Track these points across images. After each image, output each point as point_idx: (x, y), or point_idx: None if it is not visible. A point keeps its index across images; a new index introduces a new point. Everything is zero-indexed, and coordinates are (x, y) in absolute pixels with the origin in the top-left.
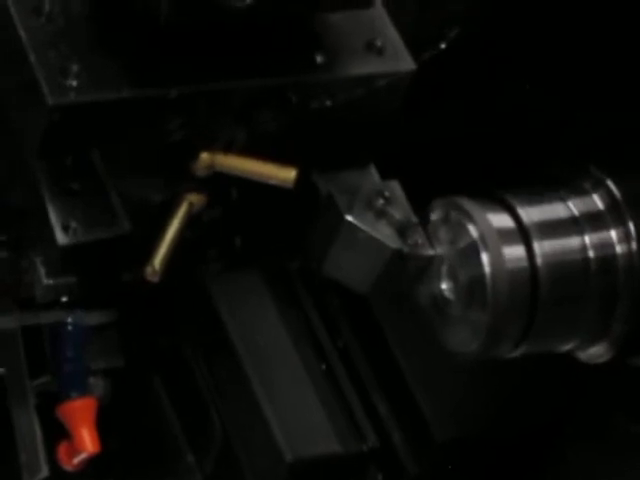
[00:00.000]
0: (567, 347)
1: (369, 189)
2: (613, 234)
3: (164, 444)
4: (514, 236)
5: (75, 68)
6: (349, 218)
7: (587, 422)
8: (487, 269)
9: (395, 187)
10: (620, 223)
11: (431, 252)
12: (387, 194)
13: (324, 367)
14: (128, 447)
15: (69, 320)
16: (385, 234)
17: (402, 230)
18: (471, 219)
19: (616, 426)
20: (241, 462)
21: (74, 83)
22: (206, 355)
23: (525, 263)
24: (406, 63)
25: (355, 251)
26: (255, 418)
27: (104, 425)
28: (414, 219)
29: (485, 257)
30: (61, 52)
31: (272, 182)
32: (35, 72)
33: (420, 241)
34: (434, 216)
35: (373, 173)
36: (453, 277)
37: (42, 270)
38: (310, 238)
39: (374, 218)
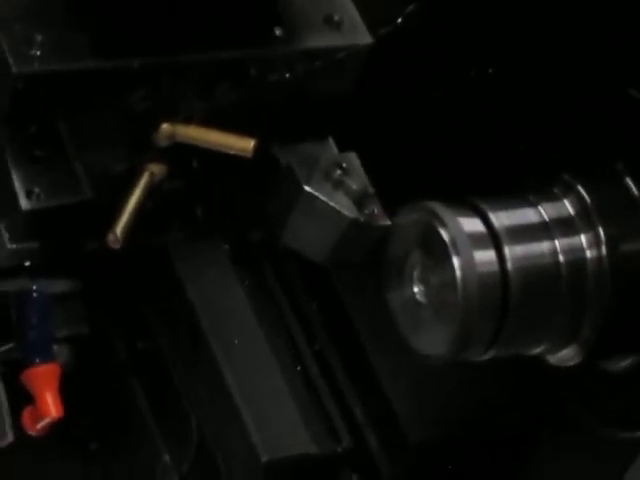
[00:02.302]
0: (537, 350)
1: (327, 160)
2: (583, 239)
3: (141, 444)
4: (485, 240)
5: (39, 38)
6: (307, 188)
7: (558, 425)
8: (458, 273)
9: (353, 158)
10: (590, 228)
11: (387, 222)
12: (345, 165)
13: (299, 368)
14: (104, 446)
15: (34, 288)
16: (342, 204)
17: (359, 200)
18: (442, 223)
19: (586, 429)
20: (217, 462)
21: (38, 53)
22: (182, 355)
23: (496, 267)
24: (363, 37)
25: (313, 220)
26: (231, 418)
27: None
28: (371, 190)
29: (456, 261)
30: (26, 23)
31: (231, 152)
32: (0, 42)
33: (376, 211)
34: (406, 220)
35: (331, 145)
36: (424, 281)
37: (5, 235)
38: (270, 208)
39: (332, 188)
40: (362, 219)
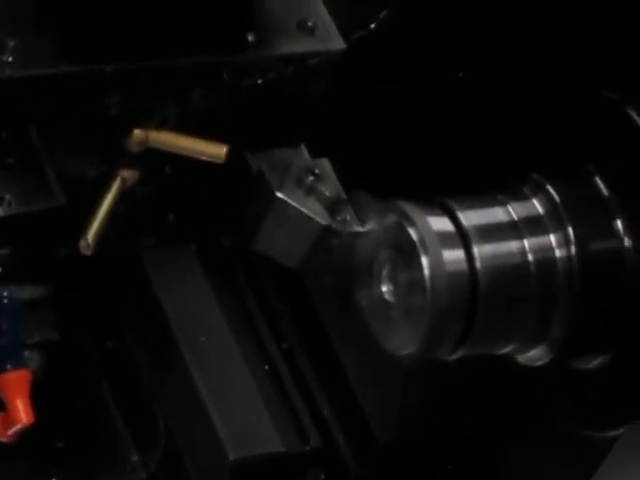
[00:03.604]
0: (506, 349)
1: (299, 166)
2: (552, 238)
3: (109, 443)
4: (454, 239)
5: (11, 44)
6: (280, 195)
7: (528, 424)
8: (427, 272)
9: (325, 165)
10: (559, 227)
11: (359, 228)
12: (317, 171)
13: (267, 367)
14: (72, 445)
15: (5, 294)
16: (315, 210)
17: (331, 207)
18: (411, 222)
19: (556, 428)
20: (185, 461)
21: (10, 59)
22: (150, 353)
23: (464, 266)
24: (337, 43)
25: (286, 227)
26: (199, 417)
27: (49, 412)
28: (343, 196)
29: (425, 260)
30: None
31: (204, 158)
32: None
33: (349, 217)
34: (374, 218)
35: (303, 151)
36: (393, 280)
37: None
38: (242, 214)
39: (304, 195)
40: (334, 226)
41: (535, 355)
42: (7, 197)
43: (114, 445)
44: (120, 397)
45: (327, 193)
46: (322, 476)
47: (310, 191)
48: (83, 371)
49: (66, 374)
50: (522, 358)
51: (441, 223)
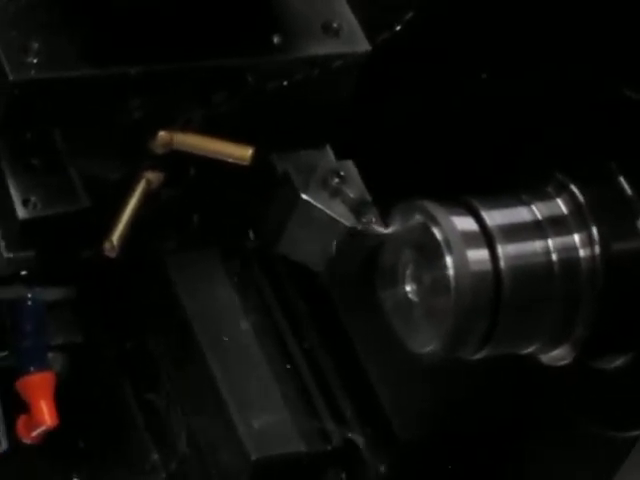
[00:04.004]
0: (530, 349)
1: (324, 168)
2: (576, 238)
3: (129, 442)
4: (478, 239)
5: (36, 46)
6: (305, 196)
7: (549, 424)
8: (451, 272)
9: (350, 167)
10: (583, 227)
11: (385, 230)
12: (342, 173)
13: (289, 366)
14: (93, 444)
15: (29, 296)
16: (339, 212)
17: (356, 208)
18: (435, 222)
19: (577, 428)
20: (206, 461)
21: (35, 60)
22: (171, 353)
23: (489, 266)
24: (362, 44)
25: (310, 229)
26: (220, 417)
27: (70, 412)
28: (368, 198)
29: (449, 260)
30: (22, 30)
31: (229, 160)
32: None
33: (374, 219)
34: (398, 218)
35: (329, 153)
36: (417, 279)
37: (2, 243)
38: (266, 216)
39: (329, 197)
40: (359, 227)
41: (558, 355)
42: (32, 199)
43: (134, 444)
44: (140, 396)
45: (352, 195)
46: (343, 476)
47: (335, 193)
48: (104, 371)
49: (87, 374)
50: (545, 358)
51: (465, 223)
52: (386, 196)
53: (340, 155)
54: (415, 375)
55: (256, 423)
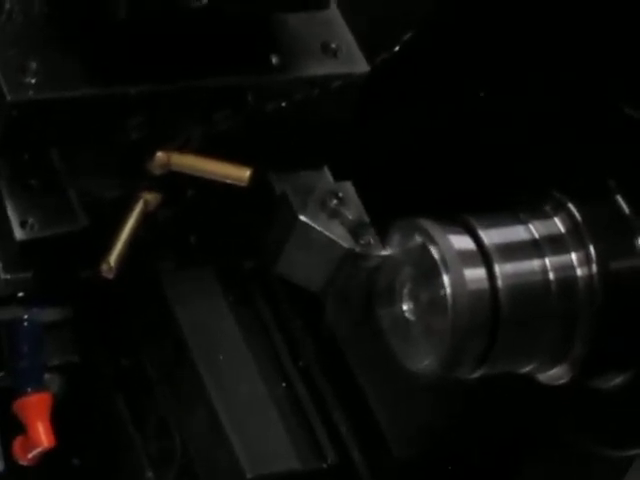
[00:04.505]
0: (527, 368)
1: (323, 189)
2: (574, 257)
3: (124, 460)
4: (475, 258)
5: (34, 66)
6: (303, 218)
7: (546, 443)
8: (448, 290)
9: (348, 188)
10: (581, 246)
11: (383, 252)
12: (340, 194)
13: (284, 384)
14: (88, 462)
15: (25, 317)
16: (338, 234)
17: (355, 230)
18: (432, 241)
19: (575, 447)
20: (201, 478)
21: (33, 81)
22: (166, 370)
23: (486, 285)
24: (360, 65)
25: (308, 250)
26: (215, 435)
27: (65, 430)
28: (366, 219)
29: (446, 278)
30: (21, 50)
31: (227, 181)
32: None
33: (372, 241)
34: (395, 237)
35: (327, 174)
36: (414, 298)
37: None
38: (264, 237)
39: (327, 218)
40: (358, 249)
41: (556, 374)
42: (30, 220)
43: (129, 462)
44: (135, 414)
45: (350, 216)
46: None
47: (333, 214)
48: (98, 389)
49: (82, 392)
50: (543, 377)
51: (462, 242)
52: (384, 216)
53: (338, 176)
54: (412, 393)
55: (251, 441)
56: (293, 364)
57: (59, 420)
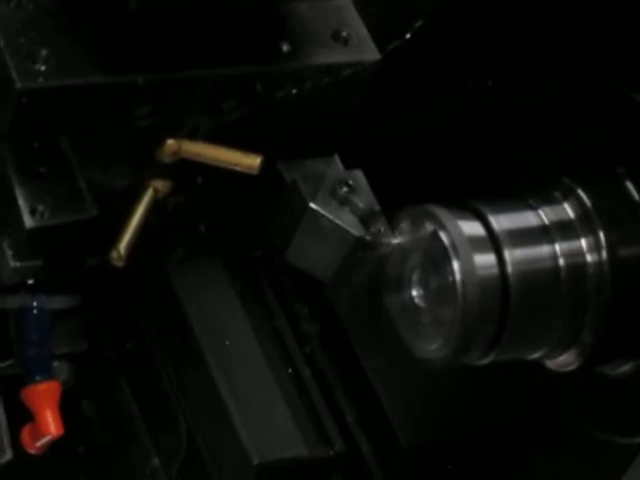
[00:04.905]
0: (536, 355)
1: (333, 177)
2: (584, 243)
3: (130, 446)
4: (485, 244)
5: (44, 53)
6: (313, 205)
7: (554, 429)
8: (458, 276)
9: (359, 176)
10: (590, 232)
11: (393, 240)
12: (351, 182)
13: (291, 371)
14: (94, 448)
15: (34, 304)
16: (348, 222)
17: (365, 218)
18: (442, 227)
19: (583, 434)
20: (207, 465)
21: (42, 68)
22: (172, 357)
23: (496, 271)
24: (371, 53)
25: (318, 238)
26: (222, 421)
27: (71, 417)
28: (377, 208)
29: (456, 264)
30: (30, 37)
31: (237, 169)
32: (4, 57)
33: (383, 229)
34: (405, 223)
35: (337, 162)
36: (424, 284)
37: (9, 252)
38: (274, 225)
39: (338, 206)
40: (368, 237)
41: (565, 360)
42: (40, 208)
43: (135, 448)
44: (141, 400)
45: (361, 205)
46: None
47: (344, 202)
48: (105, 376)
49: (88, 380)
50: (551, 363)
51: (472, 228)
52: (395, 205)
53: (348, 164)
54: (419, 382)
55: (258, 428)
56: (300, 350)
57: (66, 407)
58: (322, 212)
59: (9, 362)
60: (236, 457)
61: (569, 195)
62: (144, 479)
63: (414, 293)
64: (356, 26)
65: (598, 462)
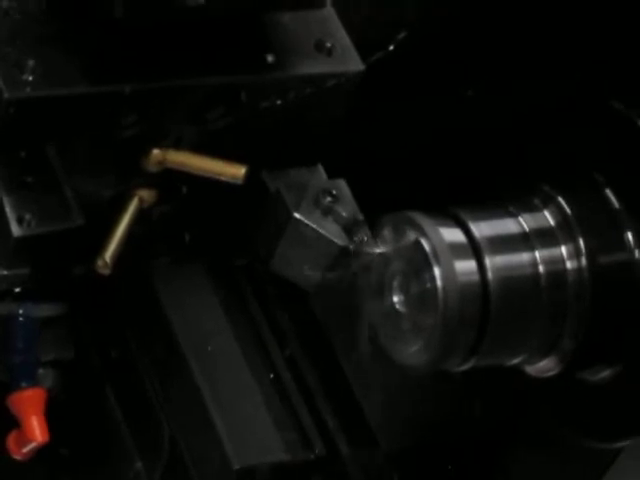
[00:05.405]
0: (516, 361)
1: (317, 187)
2: (563, 250)
3: (113, 450)
4: (466, 250)
5: (31, 63)
6: (297, 215)
7: (534, 435)
8: (439, 283)
9: (342, 186)
10: (570, 239)
11: (376, 249)
12: (334, 192)
13: (272, 375)
14: (77, 452)
15: (20, 312)
16: (332, 231)
17: (348, 227)
18: (423, 233)
19: (563, 439)
20: (189, 470)
21: (30, 78)
22: (156, 363)
23: (476, 277)
24: (355, 64)
25: (302, 248)
26: (203, 426)
27: (54, 421)
28: (360, 217)
29: (437, 271)
30: (17, 47)
31: (222, 178)
32: None
33: (366, 238)
34: (386, 230)
35: (321, 172)
36: (404, 290)
37: None
38: (258, 235)
39: (321, 215)
40: (352, 247)
41: (545, 366)
42: (27, 217)
43: (118, 452)
44: (125, 405)
45: (344, 214)
46: None
47: (327, 212)
48: (88, 381)
49: (72, 385)
50: (531, 369)
51: (453, 234)
52: (377, 214)
53: (332, 173)
54: (400, 387)
55: (240, 432)
56: (281, 355)
57: (50, 412)
58: (306, 221)
59: None
60: (218, 462)
61: (549, 202)
62: None
63: (395, 299)
64: (340, 37)
65: (577, 467)
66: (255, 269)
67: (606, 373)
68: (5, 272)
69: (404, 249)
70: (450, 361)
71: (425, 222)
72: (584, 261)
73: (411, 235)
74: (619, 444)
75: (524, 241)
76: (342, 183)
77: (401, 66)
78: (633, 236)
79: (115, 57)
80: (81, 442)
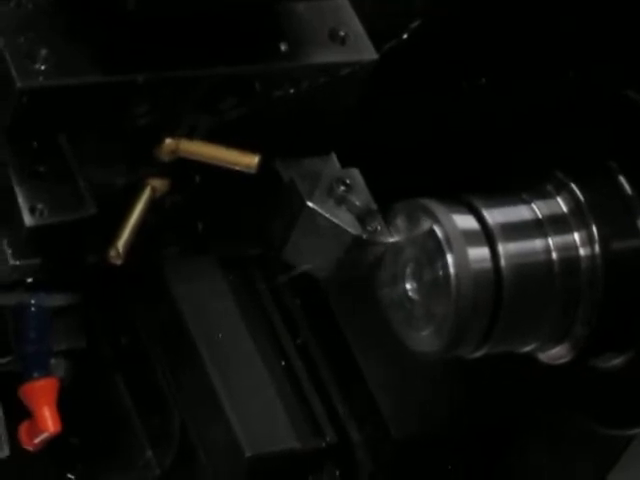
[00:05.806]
0: (529, 348)
1: (330, 176)
2: (576, 237)
3: (124, 438)
4: (479, 237)
5: (43, 53)
6: (310, 204)
7: (546, 422)
8: (452, 270)
9: (355, 175)
10: (583, 226)
11: (390, 239)
12: (348, 181)
13: (284, 363)
14: (88, 440)
15: (32, 302)
16: (345, 220)
17: (362, 217)
18: (436, 220)
19: (575, 426)
20: (200, 458)
21: (42, 67)
22: (167, 352)
23: (489, 264)
24: (368, 53)
25: (315, 237)
26: (215, 414)
27: (65, 410)
28: (374, 206)
29: (450, 258)
30: (30, 37)
31: (235, 168)
32: (4, 56)
33: (379, 228)
34: (399, 217)
35: (334, 161)
36: (418, 277)
37: (8, 251)
38: (271, 224)
39: (335, 204)
40: (365, 236)
41: (557, 353)
42: (39, 206)
43: (128, 440)
44: (135, 393)
45: (358, 203)
46: (337, 472)
47: (341, 201)
48: (99, 370)
49: (83, 374)
50: (543, 356)
51: (466, 221)
52: (391, 203)
53: (345, 163)
54: (411, 374)
55: (251, 420)
56: (292, 343)
57: (61, 401)
58: (319, 211)
59: (7, 359)
60: (229, 450)
61: (562, 189)
62: (138, 471)
63: (408, 286)
64: (353, 25)
65: (590, 454)
66: (266, 257)
67: (618, 360)
68: (17, 262)
69: (417, 236)
70: (463, 348)
71: (438, 209)
72: (597, 248)
73: (424, 222)
74: (632, 431)
75: (537, 228)
76: (355, 172)
77: (414, 54)
78: None
79: (127, 46)
80: (92, 431)
